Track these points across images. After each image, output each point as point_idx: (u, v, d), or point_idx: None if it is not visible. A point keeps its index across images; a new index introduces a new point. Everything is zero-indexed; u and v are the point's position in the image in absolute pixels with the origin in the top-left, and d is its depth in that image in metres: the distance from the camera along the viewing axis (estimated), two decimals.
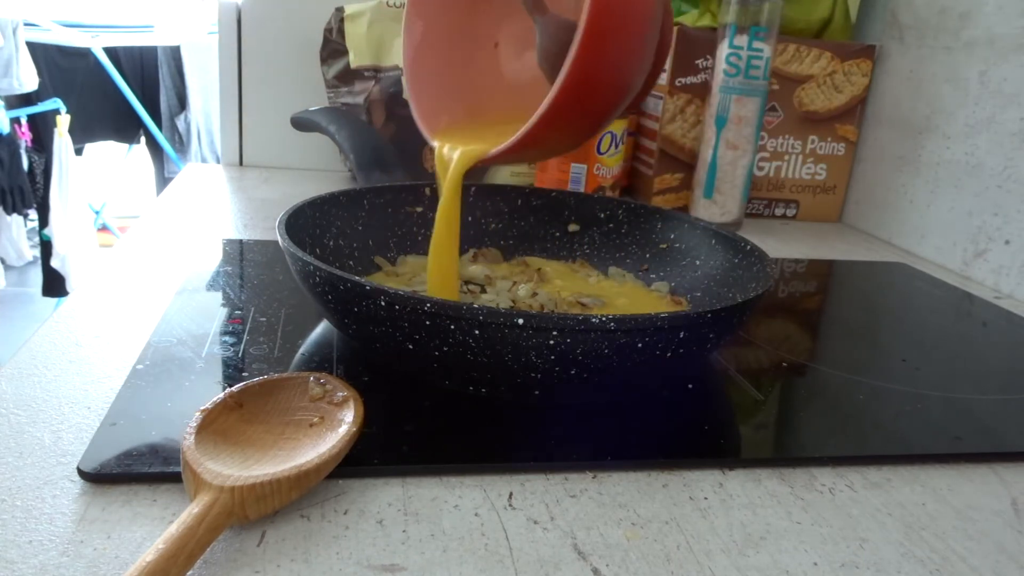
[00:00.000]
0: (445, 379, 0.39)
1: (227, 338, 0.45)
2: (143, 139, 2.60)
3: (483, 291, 0.51)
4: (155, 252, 0.60)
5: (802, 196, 0.90)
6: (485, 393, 0.39)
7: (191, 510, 0.28)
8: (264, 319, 0.48)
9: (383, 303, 0.35)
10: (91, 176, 2.57)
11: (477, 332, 0.34)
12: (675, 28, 0.81)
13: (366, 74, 0.82)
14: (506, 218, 0.60)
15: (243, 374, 0.41)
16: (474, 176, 0.85)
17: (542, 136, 0.40)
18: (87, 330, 0.46)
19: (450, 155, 0.45)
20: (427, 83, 0.49)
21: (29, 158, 2.35)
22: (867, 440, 0.40)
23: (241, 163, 0.95)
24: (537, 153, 0.47)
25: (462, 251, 0.58)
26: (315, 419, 0.35)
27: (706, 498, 0.34)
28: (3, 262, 2.41)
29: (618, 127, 0.77)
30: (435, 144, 0.47)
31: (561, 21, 0.44)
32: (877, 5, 0.88)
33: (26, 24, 2.22)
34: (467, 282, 0.53)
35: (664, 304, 0.52)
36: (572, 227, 0.60)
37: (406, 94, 0.50)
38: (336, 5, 0.84)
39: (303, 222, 0.49)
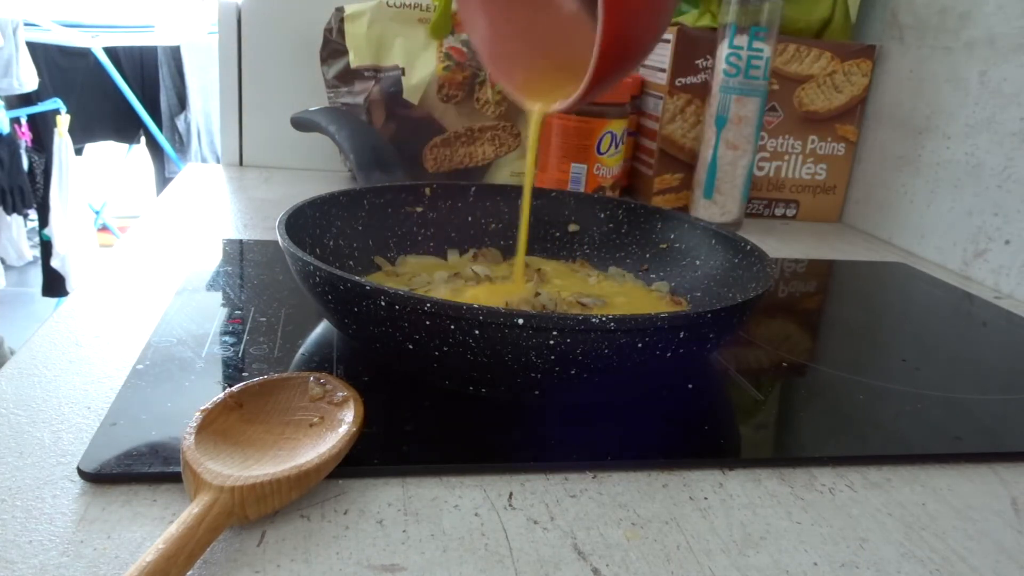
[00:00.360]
0: (445, 379, 0.39)
1: (227, 338, 0.45)
2: (143, 139, 2.60)
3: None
4: (155, 252, 0.60)
5: (802, 196, 0.90)
6: (485, 393, 0.39)
7: (191, 510, 0.28)
8: (264, 319, 0.48)
9: (383, 303, 0.35)
10: (91, 176, 2.57)
11: (477, 332, 0.34)
12: (675, 28, 0.81)
13: (366, 74, 0.82)
14: (506, 218, 0.60)
15: (243, 374, 0.41)
16: (474, 176, 0.85)
17: (597, 89, 0.42)
18: (87, 330, 0.46)
19: (530, 110, 0.50)
20: (494, 47, 0.51)
21: (29, 158, 2.35)
22: (867, 440, 0.40)
23: (241, 163, 0.95)
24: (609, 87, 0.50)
25: (462, 251, 0.58)
26: (315, 419, 0.35)
27: (706, 498, 0.34)
28: (3, 262, 2.41)
29: (618, 127, 0.77)
30: (530, 107, 0.50)
31: None
32: (877, 5, 0.88)
33: (26, 24, 2.22)
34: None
35: (664, 304, 0.52)
36: (572, 227, 0.60)
37: (485, 65, 0.52)
38: (336, 5, 0.84)
39: (303, 222, 0.49)
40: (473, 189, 0.60)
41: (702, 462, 0.37)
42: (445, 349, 0.35)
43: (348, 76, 0.83)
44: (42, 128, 2.36)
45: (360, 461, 0.34)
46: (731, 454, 0.38)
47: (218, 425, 0.33)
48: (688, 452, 0.37)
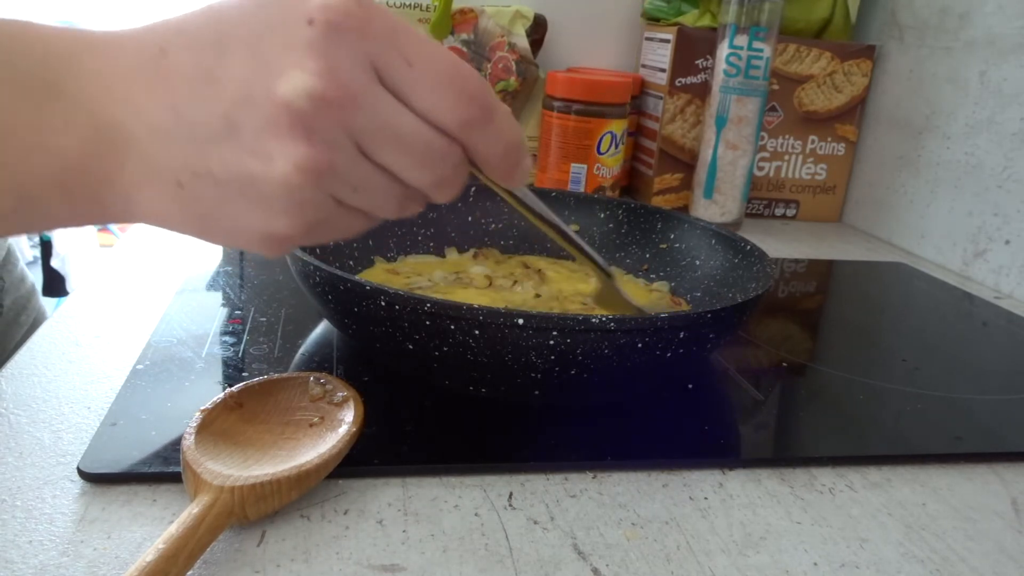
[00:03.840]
0: (445, 379, 0.39)
1: (227, 338, 0.45)
2: None
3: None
4: (155, 252, 0.60)
5: (802, 196, 0.90)
6: (485, 393, 0.39)
7: (191, 510, 0.28)
8: (264, 319, 0.48)
9: (383, 303, 0.35)
10: None
11: (477, 332, 0.34)
12: (675, 28, 0.81)
13: None
14: (506, 218, 0.60)
15: (243, 374, 0.41)
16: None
17: None
18: (87, 330, 0.46)
19: None
20: None
21: None
22: (867, 440, 0.40)
23: None
24: None
25: (462, 250, 0.58)
26: (315, 419, 0.35)
27: (706, 498, 0.34)
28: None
29: (618, 127, 0.77)
30: None
31: None
32: (877, 5, 0.88)
33: None
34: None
35: (664, 304, 0.52)
36: (572, 227, 0.60)
37: None
38: None
39: None
40: (473, 189, 0.60)
41: (702, 462, 0.37)
42: (445, 349, 0.35)
43: None
44: None
45: (360, 461, 0.34)
46: (731, 454, 0.38)
47: (218, 425, 0.33)
48: (688, 452, 0.37)
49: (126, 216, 0.26)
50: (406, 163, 0.25)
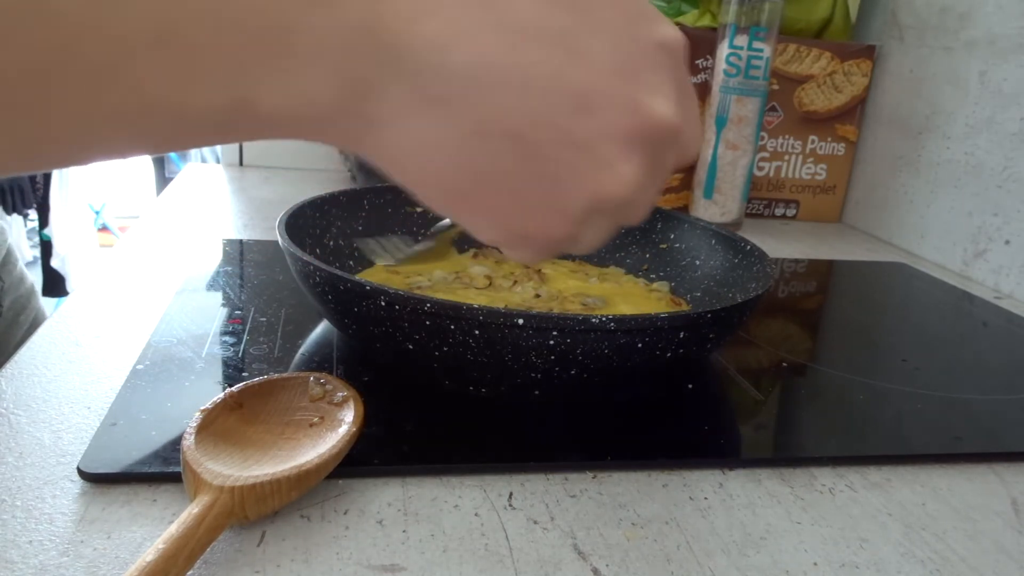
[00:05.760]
0: (445, 379, 0.39)
1: (227, 338, 0.45)
2: None
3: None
4: (155, 252, 0.60)
5: (802, 196, 0.90)
6: (485, 393, 0.39)
7: (191, 510, 0.28)
8: (264, 319, 0.48)
9: (383, 303, 0.35)
10: (91, 176, 2.57)
11: (477, 332, 0.34)
12: None
13: None
14: None
15: (243, 374, 0.41)
16: None
17: None
18: (87, 330, 0.46)
19: None
20: None
21: None
22: (867, 440, 0.40)
23: (241, 163, 0.95)
24: None
25: (462, 250, 0.58)
26: (315, 419, 0.35)
27: (706, 498, 0.34)
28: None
29: None
30: None
31: None
32: (877, 5, 0.88)
33: None
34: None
35: (664, 304, 0.52)
36: None
37: None
38: None
39: (303, 222, 0.49)
40: None
41: (702, 462, 0.37)
42: (445, 349, 0.35)
43: None
44: None
45: (360, 461, 0.34)
46: (731, 454, 0.38)
47: (218, 425, 0.33)
48: (688, 452, 0.37)
49: (354, 143, 0.23)
50: (661, 182, 0.26)
